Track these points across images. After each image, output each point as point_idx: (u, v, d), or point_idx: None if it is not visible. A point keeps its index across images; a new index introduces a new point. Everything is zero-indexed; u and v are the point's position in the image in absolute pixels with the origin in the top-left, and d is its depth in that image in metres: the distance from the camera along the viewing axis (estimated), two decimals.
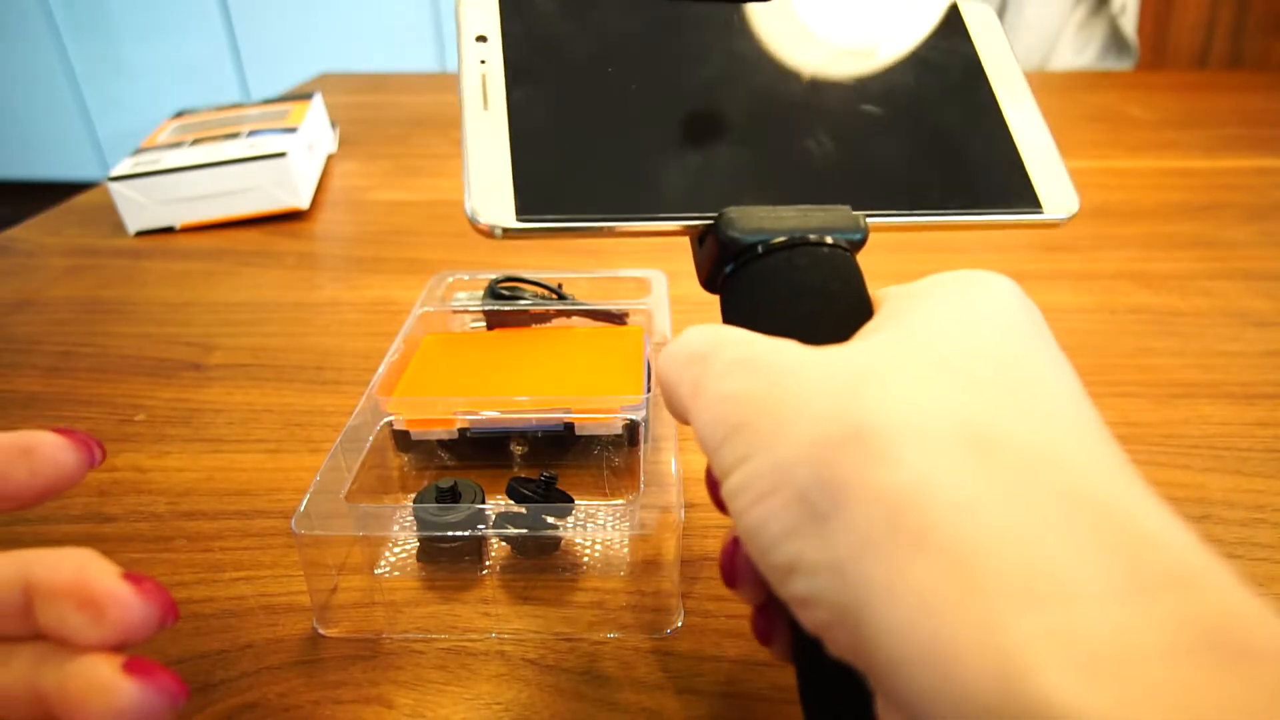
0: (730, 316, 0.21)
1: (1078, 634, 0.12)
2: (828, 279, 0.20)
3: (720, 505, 0.19)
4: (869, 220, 0.22)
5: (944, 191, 0.24)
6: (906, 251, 0.59)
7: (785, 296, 0.20)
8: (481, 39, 0.23)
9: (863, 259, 0.22)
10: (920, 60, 0.26)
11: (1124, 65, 1.43)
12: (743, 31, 0.25)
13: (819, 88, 0.25)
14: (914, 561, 0.13)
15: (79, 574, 0.17)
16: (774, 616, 0.21)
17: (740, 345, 0.18)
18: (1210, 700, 0.11)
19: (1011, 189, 0.24)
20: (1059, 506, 0.13)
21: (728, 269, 0.21)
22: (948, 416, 0.15)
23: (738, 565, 0.21)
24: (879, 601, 0.13)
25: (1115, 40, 1.42)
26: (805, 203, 0.22)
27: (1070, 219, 0.24)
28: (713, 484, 0.21)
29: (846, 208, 0.22)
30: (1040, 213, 0.24)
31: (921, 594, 0.13)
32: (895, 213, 0.23)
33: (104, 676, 0.17)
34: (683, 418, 0.19)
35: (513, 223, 0.21)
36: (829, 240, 0.21)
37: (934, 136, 0.25)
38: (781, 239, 0.21)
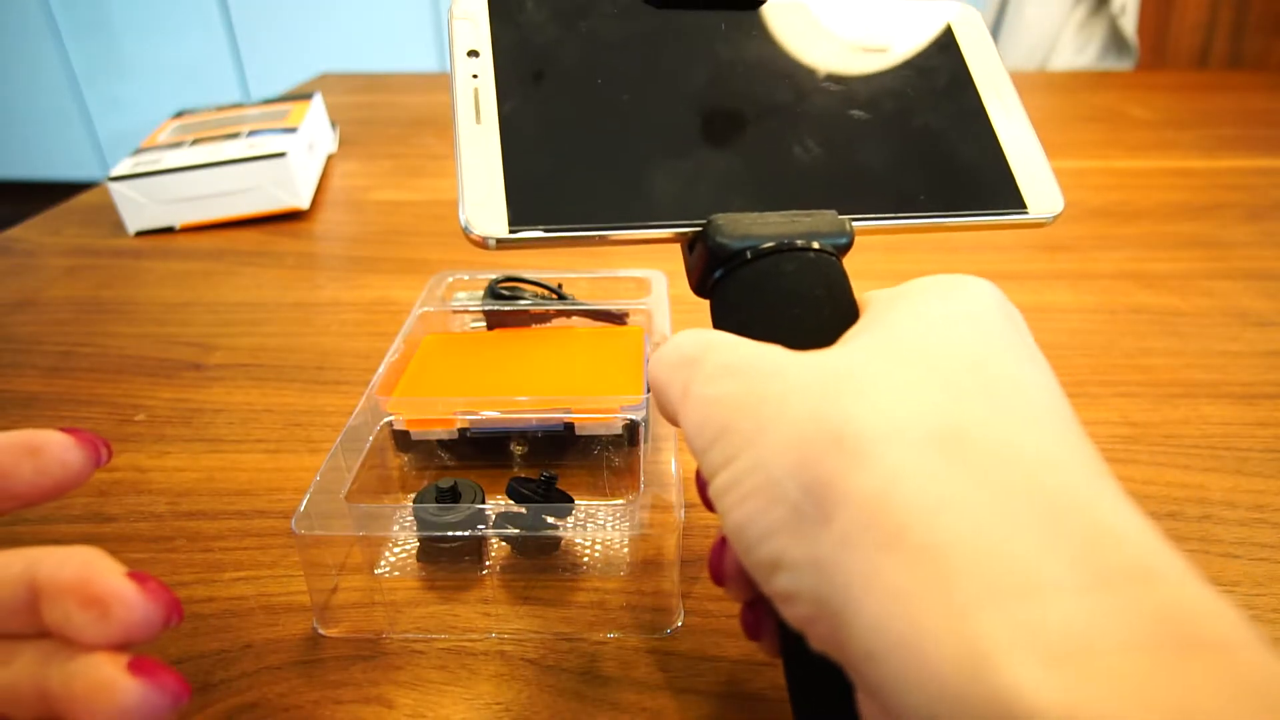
0: (719, 321, 0.22)
1: (1040, 626, 0.12)
2: (813, 284, 0.21)
3: (709, 505, 0.20)
4: (855, 224, 0.23)
5: (929, 194, 0.24)
6: (905, 252, 0.59)
7: (772, 301, 0.21)
8: (473, 53, 0.23)
9: (862, 260, 0.22)
10: (906, 65, 0.26)
11: (1124, 65, 1.43)
12: (729, 40, 0.25)
13: (805, 94, 0.25)
14: (889, 558, 0.14)
15: (84, 572, 0.18)
16: (762, 613, 0.22)
17: (727, 350, 0.19)
18: (1165, 691, 0.11)
19: (996, 190, 0.25)
20: (1025, 503, 0.14)
21: (716, 274, 0.22)
22: (922, 419, 0.15)
23: (725, 563, 0.22)
24: (856, 597, 0.14)
25: (1115, 40, 1.42)
26: (793, 208, 0.23)
27: (1054, 219, 0.25)
28: (702, 484, 0.22)
29: (832, 212, 0.23)
30: (1025, 213, 0.24)
31: (895, 589, 0.13)
32: (881, 216, 0.23)
33: (108, 675, 0.17)
34: (673, 419, 0.20)
35: (505, 233, 0.21)
36: (815, 245, 0.21)
37: (919, 140, 0.25)
38: (768, 245, 0.21)
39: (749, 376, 0.18)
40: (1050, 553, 0.13)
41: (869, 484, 0.14)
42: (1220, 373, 0.43)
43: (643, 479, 0.29)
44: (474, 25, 0.24)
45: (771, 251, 0.21)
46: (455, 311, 0.42)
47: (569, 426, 0.34)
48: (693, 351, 0.19)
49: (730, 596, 0.22)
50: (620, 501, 0.34)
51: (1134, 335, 0.47)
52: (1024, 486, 0.14)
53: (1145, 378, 0.43)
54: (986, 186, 0.25)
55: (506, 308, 0.41)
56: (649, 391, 0.34)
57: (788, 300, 0.21)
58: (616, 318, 0.41)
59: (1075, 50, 1.43)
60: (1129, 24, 1.39)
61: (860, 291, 0.21)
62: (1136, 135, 0.89)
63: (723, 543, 0.22)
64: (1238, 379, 0.43)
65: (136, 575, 0.18)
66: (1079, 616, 0.12)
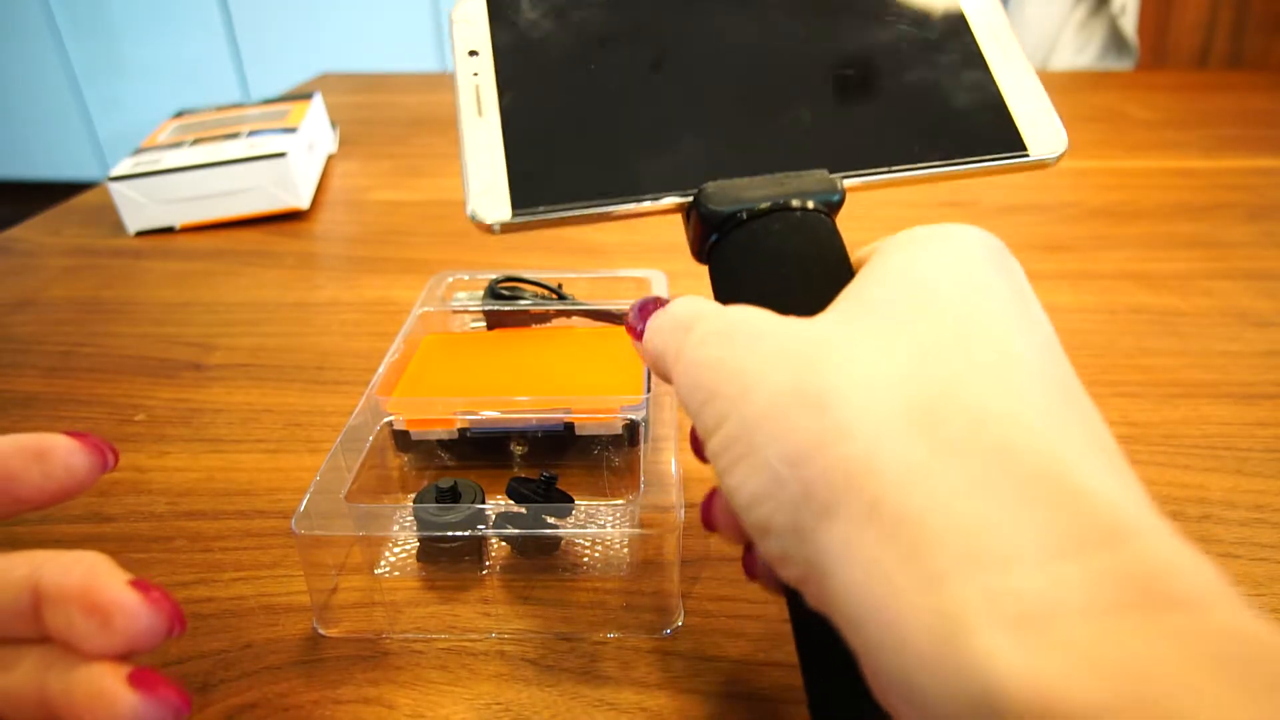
0: (716, 285, 0.22)
1: (1009, 594, 0.13)
2: (802, 242, 0.21)
3: (701, 457, 0.21)
4: (846, 181, 0.23)
5: (924, 143, 0.24)
6: None
7: (763, 262, 0.21)
8: (473, 53, 0.24)
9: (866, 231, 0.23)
10: (899, 14, 0.26)
11: (1124, 65, 1.43)
12: (718, 9, 0.26)
13: (793, 55, 0.25)
14: (866, 529, 0.14)
15: (87, 580, 0.17)
16: (758, 555, 0.22)
17: (715, 315, 0.19)
18: (1124, 653, 0.12)
19: (995, 134, 0.24)
20: (998, 472, 0.14)
21: (712, 239, 0.22)
22: (897, 389, 0.15)
23: (715, 511, 0.23)
24: (838, 565, 0.14)
25: (1115, 40, 1.42)
26: (785, 169, 0.23)
27: (1058, 159, 0.24)
28: (695, 440, 0.23)
29: (822, 171, 0.23)
30: (1026, 155, 0.24)
31: (872, 559, 0.14)
32: (874, 170, 0.23)
33: (108, 687, 0.17)
34: (668, 381, 0.20)
35: (509, 217, 0.22)
36: (806, 204, 0.22)
37: (913, 89, 0.25)
38: (756, 207, 0.22)
39: (734, 341, 0.18)
40: (1021, 520, 0.13)
41: (845, 454, 0.15)
42: (1220, 373, 0.43)
43: (643, 479, 0.29)
44: (473, 26, 0.25)
45: (761, 214, 0.22)
46: (455, 311, 0.42)
47: (569, 426, 0.34)
48: (685, 318, 0.20)
49: (724, 540, 0.24)
50: (620, 501, 0.34)
51: (1134, 335, 0.47)
52: (997, 455, 0.14)
53: (1145, 378, 0.43)
54: (984, 131, 0.24)
55: (506, 308, 0.41)
56: (649, 391, 0.35)
57: (777, 260, 0.21)
58: (616, 318, 0.41)
59: (1075, 50, 1.43)
60: (1129, 24, 1.39)
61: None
62: (1136, 135, 0.89)
63: (713, 493, 0.23)
64: (1238, 379, 0.43)
65: (140, 584, 0.18)
66: (1045, 583, 0.13)
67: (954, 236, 0.19)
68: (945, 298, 0.17)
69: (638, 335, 0.22)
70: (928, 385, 0.15)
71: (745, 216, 0.22)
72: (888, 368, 0.16)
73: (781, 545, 0.16)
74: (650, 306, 0.22)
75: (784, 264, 0.21)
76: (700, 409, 0.18)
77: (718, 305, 0.20)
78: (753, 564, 0.23)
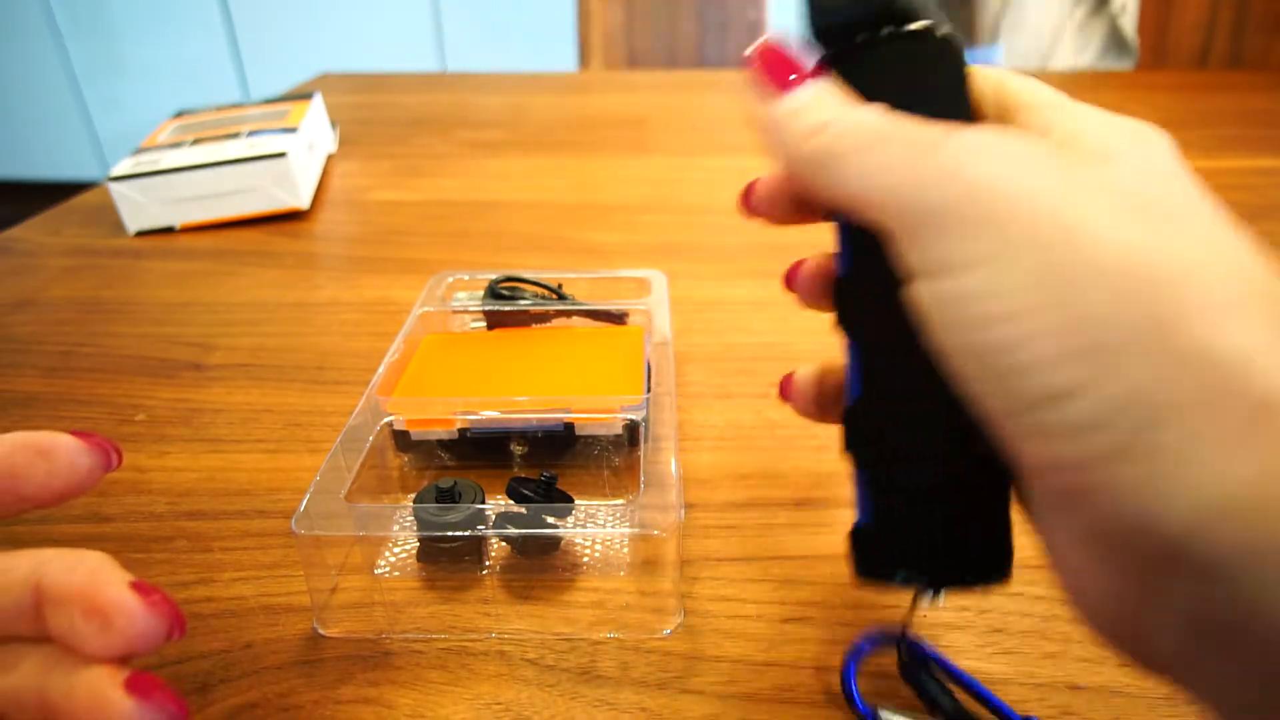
0: (858, 77, 0.20)
1: None
2: (959, 74, 0.20)
3: (749, 207, 0.22)
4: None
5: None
6: None
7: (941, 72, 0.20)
8: None
9: None
10: None
11: (1124, 65, 1.43)
12: None
13: None
14: (1254, 436, 0.13)
15: (89, 581, 0.18)
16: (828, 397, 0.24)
17: (983, 132, 0.17)
18: None
19: None
20: None
21: (884, 30, 0.20)
22: (1250, 283, 0.15)
23: (795, 385, 0.25)
24: (1198, 460, 0.14)
25: (1115, 40, 1.42)
26: None
27: None
28: (746, 197, 0.22)
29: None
30: None
31: (1264, 465, 0.13)
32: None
33: (105, 692, 0.17)
34: (822, 182, 0.18)
35: None
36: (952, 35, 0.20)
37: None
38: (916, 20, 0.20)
39: (1010, 157, 0.16)
40: None
41: (1223, 347, 0.14)
42: None
43: (643, 479, 0.29)
44: None
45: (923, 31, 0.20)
46: (455, 311, 0.42)
47: (569, 426, 0.34)
48: (873, 116, 0.17)
49: (798, 412, 0.25)
50: (620, 501, 0.34)
51: None
52: None
53: None
54: None
55: (506, 308, 0.41)
56: (649, 391, 0.35)
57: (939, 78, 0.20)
58: (616, 318, 0.41)
59: (1075, 50, 1.43)
60: (1129, 24, 1.39)
61: None
62: None
63: (790, 375, 0.25)
64: None
65: (141, 586, 0.18)
66: None
67: (1157, 142, 0.19)
68: (1199, 203, 0.17)
69: (780, 86, 0.18)
70: (1270, 287, 0.15)
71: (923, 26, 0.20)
72: (1227, 257, 0.15)
73: (1092, 414, 0.14)
74: (790, 65, 0.18)
75: (947, 73, 0.19)
76: (941, 231, 0.16)
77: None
78: (818, 408, 0.24)
